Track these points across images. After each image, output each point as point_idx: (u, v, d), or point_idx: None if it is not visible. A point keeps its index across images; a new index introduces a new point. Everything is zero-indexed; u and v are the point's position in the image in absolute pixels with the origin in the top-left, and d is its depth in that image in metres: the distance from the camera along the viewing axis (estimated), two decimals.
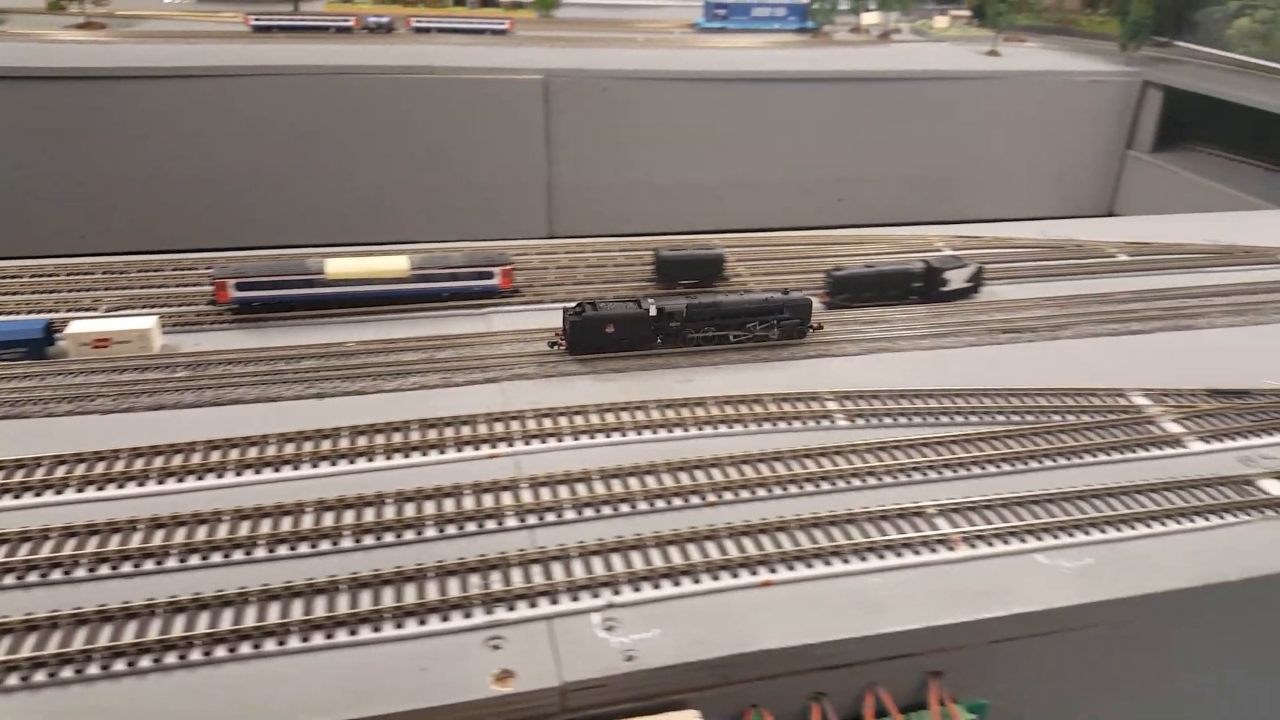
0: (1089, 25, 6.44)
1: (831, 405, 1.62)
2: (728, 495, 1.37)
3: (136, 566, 1.18)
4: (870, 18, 6.01)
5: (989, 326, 1.97)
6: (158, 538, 1.22)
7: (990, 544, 1.30)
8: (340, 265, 1.80)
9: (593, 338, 1.66)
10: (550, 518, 1.29)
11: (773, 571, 1.22)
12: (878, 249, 2.38)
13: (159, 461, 1.37)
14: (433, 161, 4.22)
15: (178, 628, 1.09)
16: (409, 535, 1.25)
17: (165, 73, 3.85)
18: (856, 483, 1.42)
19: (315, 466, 1.38)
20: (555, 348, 1.71)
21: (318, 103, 3.98)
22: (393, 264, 1.81)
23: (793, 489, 1.39)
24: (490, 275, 1.86)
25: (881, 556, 1.27)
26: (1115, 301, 2.13)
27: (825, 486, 1.41)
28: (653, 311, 1.71)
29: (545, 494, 1.33)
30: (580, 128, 4.41)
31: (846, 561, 1.25)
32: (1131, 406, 1.68)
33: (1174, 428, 1.62)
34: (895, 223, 2.75)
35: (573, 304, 1.68)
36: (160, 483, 1.34)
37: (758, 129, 5.03)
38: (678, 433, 1.52)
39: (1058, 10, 6.68)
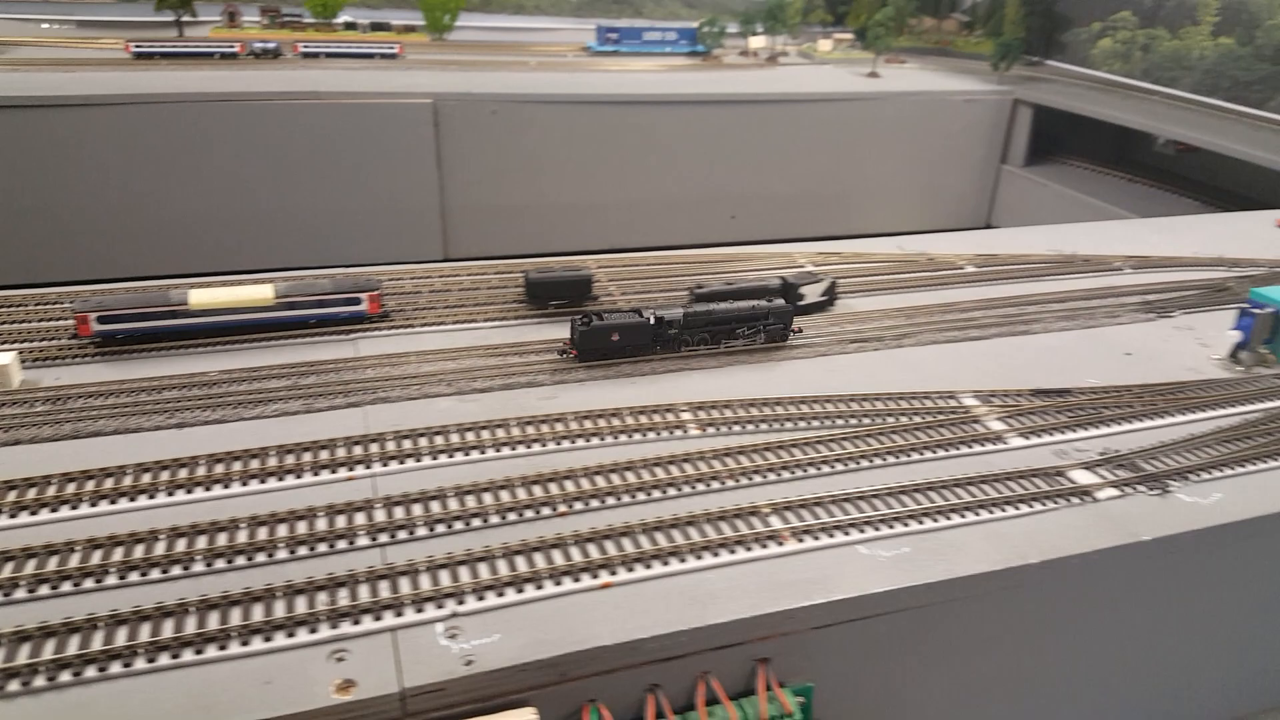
0: (966, 46, 6.75)
1: (686, 416, 1.71)
2: (578, 505, 1.44)
3: None
4: (757, 42, 6.21)
5: (839, 337, 2.10)
6: (7, 569, 1.24)
7: (816, 538, 1.40)
8: (204, 296, 1.82)
9: (600, 345, 1.84)
10: (402, 535, 1.35)
11: (612, 574, 1.30)
12: (744, 266, 2.49)
13: (11, 496, 1.38)
14: (322, 186, 4.22)
15: (22, 655, 1.11)
16: (260, 558, 1.29)
17: (40, 101, 3.77)
18: (700, 487, 1.51)
19: (171, 495, 1.41)
20: (565, 355, 1.87)
21: (201, 130, 3.95)
22: (257, 293, 1.84)
23: (640, 496, 1.48)
24: (358, 301, 1.90)
25: (716, 554, 1.35)
26: (956, 310, 2.28)
27: (671, 492, 1.49)
28: (652, 321, 1.88)
29: (399, 513, 1.39)
30: (472, 150, 4.46)
31: (683, 560, 1.34)
32: (961, 407, 1.82)
33: (997, 425, 1.76)
34: (786, 238, 2.88)
35: (580, 315, 1.87)
36: (13, 516, 1.35)
37: (651, 149, 5.15)
38: (536, 448, 1.59)
39: (937, 33, 7.00)
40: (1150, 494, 1.57)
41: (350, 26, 5.59)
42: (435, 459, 1.53)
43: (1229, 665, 1.72)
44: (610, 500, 1.46)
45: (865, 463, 1.61)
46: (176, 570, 1.26)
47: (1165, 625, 1.60)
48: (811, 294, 2.23)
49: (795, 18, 6.29)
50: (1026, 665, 1.51)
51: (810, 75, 5.95)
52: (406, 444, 1.55)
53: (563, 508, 1.43)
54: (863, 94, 5.54)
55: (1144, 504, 1.55)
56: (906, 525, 1.45)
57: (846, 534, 1.42)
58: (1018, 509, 1.51)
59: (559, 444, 1.60)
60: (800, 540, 1.39)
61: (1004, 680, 1.51)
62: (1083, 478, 1.60)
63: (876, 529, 1.44)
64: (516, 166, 4.61)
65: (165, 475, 1.44)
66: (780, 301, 2.02)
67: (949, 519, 1.47)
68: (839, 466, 1.59)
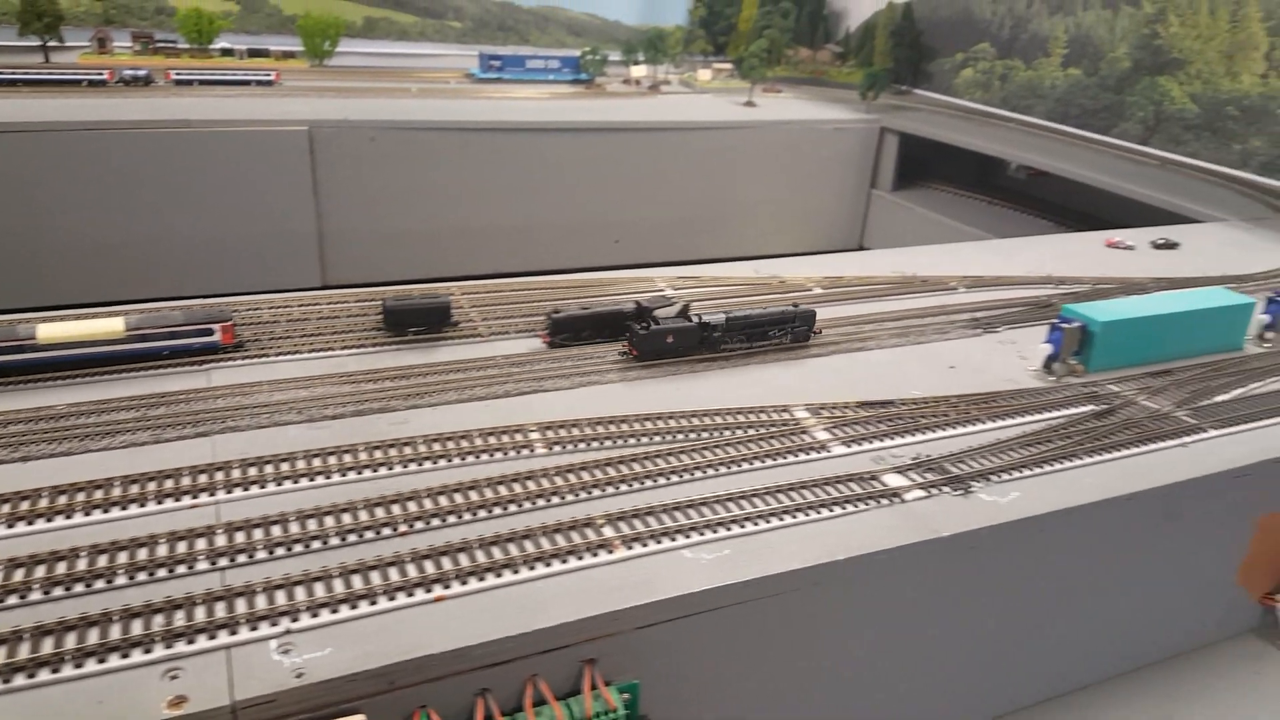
0: (839, 76, 7.07)
1: (534, 435, 1.80)
2: (419, 524, 1.51)
3: None
4: (638, 70, 6.39)
5: (691, 361, 2.22)
6: None
7: (645, 544, 1.51)
8: (52, 330, 1.83)
9: (657, 346, 2.11)
10: (242, 559, 1.39)
11: (446, 587, 1.38)
12: (603, 291, 2.60)
13: None
14: (195, 216, 4.18)
15: None
16: (99, 584, 1.32)
17: None
18: (541, 502, 1.60)
19: (11, 526, 1.42)
20: (625, 356, 2.14)
21: (64, 160, 3.88)
22: (107, 326, 1.85)
23: (480, 513, 1.56)
24: (210, 332, 1.93)
25: (549, 564, 1.44)
26: None
27: (512, 508, 1.58)
28: (699, 323, 2.16)
29: (240, 537, 1.43)
30: (350, 177, 4.49)
31: (516, 572, 1.42)
32: (793, 420, 1.96)
33: (823, 435, 1.90)
34: (668, 262, 3.00)
35: (639, 323, 2.14)
36: None
37: (535, 176, 5.25)
38: (382, 471, 1.66)
39: (812, 63, 7.31)
40: (954, 494, 1.73)
41: (227, 53, 5.54)
42: (280, 485, 1.58)
43: (1030, 651, 1.89)
44: (451, 519, 1.53)
45: (699, 474, 1.73)
46: (13, 600, 1.28)
47: (966, 615, 1.75)
48: (665, 317, 2.35)
49: (676, 47, 6.50)
50: (841, 655, 1.64)
51: (690, 104, 6.16)
52: (253, 471, 1.60)
53: (403, 527, 1.50)
54: (739, 122, 5.76)
55: (947, 504, 1.70)
56: (730, 530, 1.57)
57: (673, 540, 1.53)
58: (832, 511, 1.65)
59: (406, 467, 1.67)
60: (629, 547, 1.49)
61: (821, 670, 1.63)
62: (894, 481, 1.75)
63: (701, 534, 1.55)
64: (397, 193, 4.65)
65: (6, 508, 1.45)
66: (806, 307, 2.33)
67: (768, 522, 1.60)
68: (674, 478, 1.70)
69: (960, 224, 5.46)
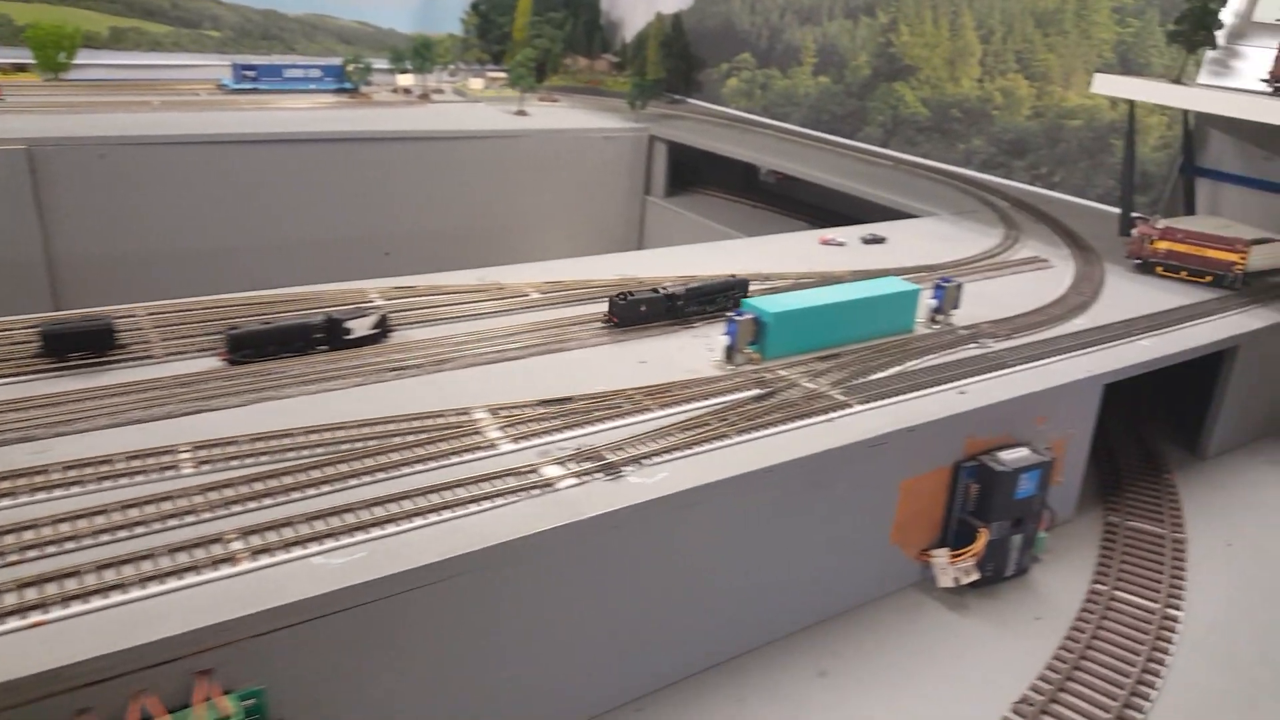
0: (615, 86, 7.24)
1: (184, 455, 1.78)
2: (32, 554, 1.47)
3: None
4: (405, 79, 6.35)
5: (378, 367, 2.25)
6: None
7: (274, 555, 1.52)
8: None
9: (633, 315, 2.49)
10: None
11: (45, 612, 1.35)
12: (313, 305, 2.59)
13: None
14: None
15: None
16: None
17: None
18: (173, 522, 1.58)
19: None
20: (608, 324, 2.57)
21: None
22: None
23: (104, 537, 1.53)
24: None
25: (164, 582, 1.44)
26: (504, 335, 2.50)
27: (139, 530, 1.56)
28: (664, 295, 2.56)
29: None
30: (80, 198, 4.24)
31: (126, 591, 1.41)
32: (469, 421, 2.02)
33: (495, 434, 1.97)
34: (442, 270, 2.99)
35: (619, 294, 2.59)
36: None
37: (293, 189, 5.12)
38: (6, 502, 1.60)
39: (589, 72, 7.47)
40: (606, 479, 1.84)
41: None
42: None
43: (690, 622, 2.02)
44: (70, 545, 1.50)
45: (353, 481, 1.76)
46: None
47: (620, 593, 1.86)
48: (359, 328, 2.36)
49: (446, 55, 6.49)
50: (491, 643, 1.71)
51: (461, 113, 6.16)
52: None
53: (14, 557, 1.46)
54: (510, 131, 5.82)
55: (597, 488, 1.80)
56: (369, 533, 1.61)
57: (305, 548, 1.55)
58: (480, 506, 1.71)
59: (34, 495, 1.62)
60: (256, 559, 1.51)
61: (470, 659, 1.69)
62: (551, 472, 1.84)
63: (338, 540, 1.58)
64: (136, 214, 4.44)
65: None
66: (743, 277, 2.82)
67: (412, 522, 1.65)
68: (325, 488, 1.73)
69: (725, 227, 5.71)
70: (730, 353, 2.44)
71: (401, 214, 5.54)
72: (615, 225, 6.36)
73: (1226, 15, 3.58)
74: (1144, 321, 2.99)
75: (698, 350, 2.53)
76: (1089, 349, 2.72)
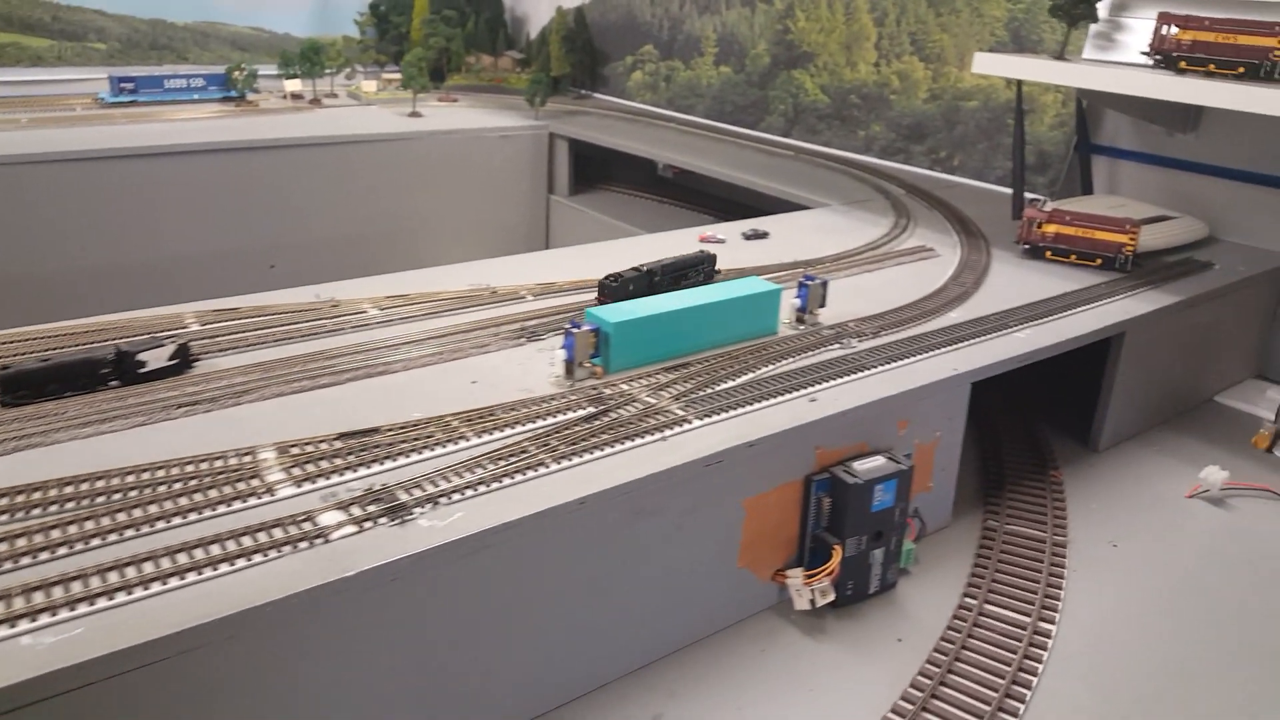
0: (519, 83, 7.02)
1: None
2: None
3: None
4: (293, 85, 6.08)
5: (167, 403, 2.03)
6: None
7: None
8: None
9: (621, 294, 2.49)
10: None
11: None
12: (121, 334, 2.36)
13: None
14: None
15: None
16: None
17: None
18: None
19: None
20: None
21: None
22: None
23: None
24: None
25: None
26: (323, 359, 2.30)
27: None
28: (646, 271, 2.65)
29: None
30: None
31: None
32: (251, 462, 1.81)
33: (276, 476, 1.77)
34: (334, 280, 2.81)
35: (608, 276, 2.64)
36: None
37: (171, 204, 4.88)
38: None
39: (493, 70, 7.25)
40: (391, 524, 1.65)
41: None
42: None
43: (507, 674, 1.84)
44: None
45: (97, 541, 1.55)
46: None
47: (407, 652, 1.67)
48: (155, 360, 2.15)
49: (337, 59, 6.23)
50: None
51: (353, 117, 5.93)
52: None
53: None
54: (401, 134, 5.60)
55: (379, 536, 1.61)
56: (94, 604, 1.40)
57: (14, 625, 1.34)
58: (235, 565, 1.51)
59: None
60: None
61: None
62: (329, 519, 1.65)
63: (55, 614, 1.37)
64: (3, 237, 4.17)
65: None
66: (709, 251, 2.89)
67: (150, 588, 1.44)
68: (63, 551, 1.52)
69: (627, 224, 5.54)
70: (570, 367, 2.26)
71: (287, 224, 5.30)
72: (520, 225, 6.17)
73: None
74: (1023, 311, 2.86)
75: (539, 365, 2.35)
76: (959, 345, 2.59)
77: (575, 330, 2.24)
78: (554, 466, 1.85)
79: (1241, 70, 2.99)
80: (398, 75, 6.43)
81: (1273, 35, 2.95)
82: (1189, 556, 2.53)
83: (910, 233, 3.73)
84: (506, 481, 1.80)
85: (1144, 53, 3.16)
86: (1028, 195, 4.23)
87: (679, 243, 3.48)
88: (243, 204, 5.15)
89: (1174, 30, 3.08)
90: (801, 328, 2.68)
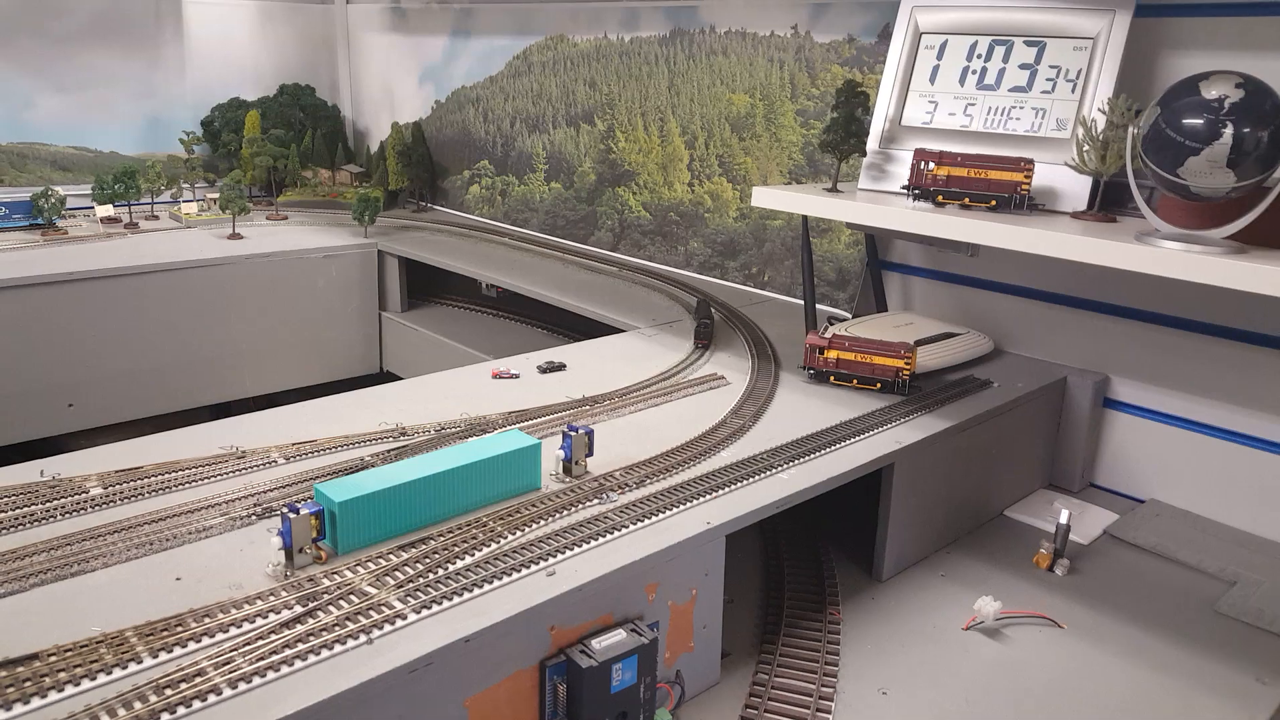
0: (353, 198, 6.91)
1: None
2: None
3: None
4: (104, 210, 5.85)
5: None
6: None
7: None
8: None
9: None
10: None
11: None
12: None
13: None
14: None
15: None
16: None
17: None
18: None
19: None
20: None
21: None
22: None
23: None
24: None
25: None
26: (14, 558, 2.09)
27: None
28: None
29: None
30: None
31: None
32: None
33: None
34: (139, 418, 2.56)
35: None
36: None
37: None
38: None
39: (331, 184, 7.15)
40: None
41: None
42: None
43: None
44: None
45: None
46: None
47: None
48: None
49: (157, 181, 6.03)
50: None
51: (169, 241, 5.72)
52: None
53: None
54: (217, 259, 5.43)
55: None
56: None
57: None
58: None
59: None
60: None
61: None
62: None
63: None
64: None
65: None
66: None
67: None
68: None
69: (460, 344, 5.45)
70: (289, 555, 2.12)
71: (91, 359, 5.02)
72: (353, 345, 6.01)
73: (878, 120, 3.61)
74: (792, 449, 2.86)
75: (262, 552, 2.19)
76: (718, 492, 2.55)
77: (292, 515, 2.10)
78: (227, 693, 1.69)
79: (994, 203, 3.12)
80: (215, 195, 6.26)
81: (1019, 171, 3.10)
82: (959, 698, 2.51)
83: (707, 357, 3.74)
84: (164, 718, 1.63)
85: (904, 187, 3.27)
86: (831, 311, 4.34)
87: (451, 385, 3.42)
88: (38, 341, 4.87)
89: (931, 166, 3.20)
90: (568, 480, 2.60)
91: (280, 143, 6.62)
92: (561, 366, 3.59)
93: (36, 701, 1.65)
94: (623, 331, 4.27)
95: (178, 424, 2.94)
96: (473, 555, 2.19)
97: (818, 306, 4.09)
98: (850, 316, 4.26)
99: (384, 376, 6.08)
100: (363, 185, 7.11)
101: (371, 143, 7.63)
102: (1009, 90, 3.37)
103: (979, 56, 3.42)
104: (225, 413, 5.36)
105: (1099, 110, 3.04)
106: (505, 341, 5.44)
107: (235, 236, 5.75)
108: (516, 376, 3.49)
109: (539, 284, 5.00)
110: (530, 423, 3.01)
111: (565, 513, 2.42)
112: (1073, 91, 3.22)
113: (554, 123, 5.98)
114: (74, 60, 6.66)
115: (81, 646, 1.80)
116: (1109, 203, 3.10)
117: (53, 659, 1.76)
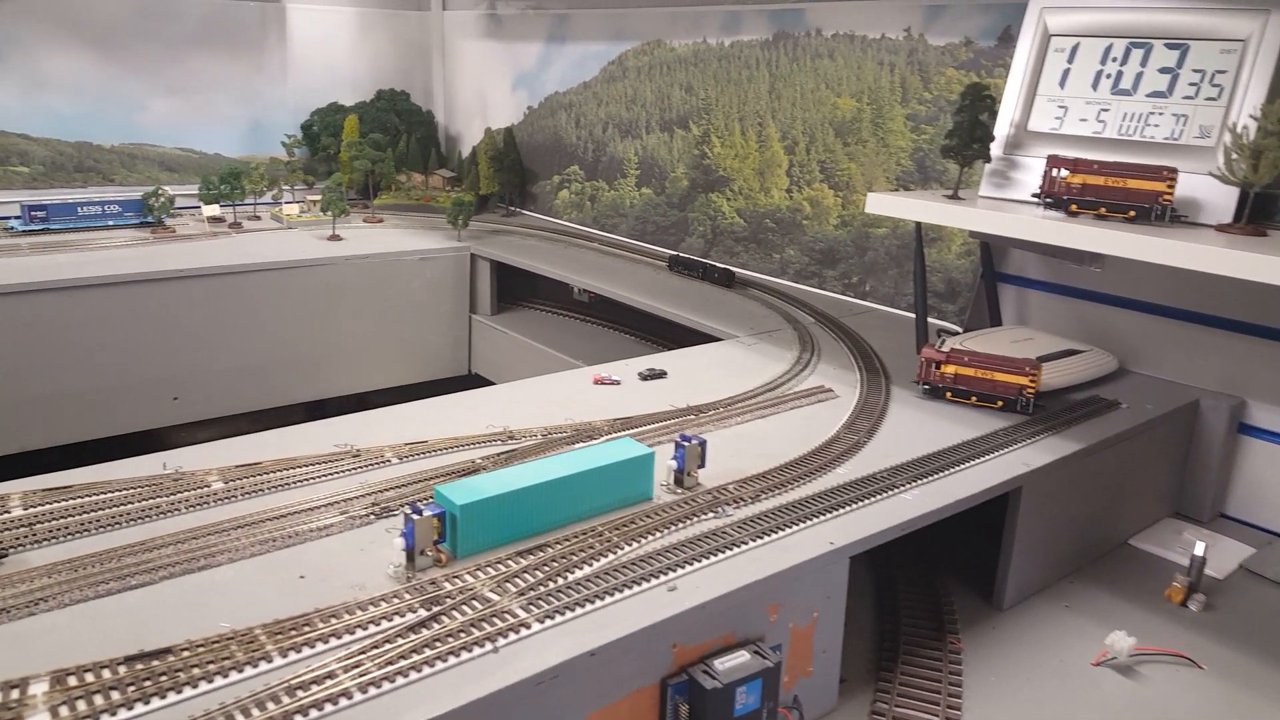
0: (446, 202, 6.98)
1: None
2: None
3: None
4: (210, 209, 5.99)
5: None
6: None
7: None
8: None
9: None
10: None
11: None
12: None
13: None
14: None
15: None
16: None
17: None
18: None
19: None
20: None
21: None
22: None
23: None
24: None
25: None
26: (143, 550, 2.11)
27: None
28: None
29: None
30: None
31: None
32: (18, 701, 1.61)
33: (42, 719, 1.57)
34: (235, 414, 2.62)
35: None
36: None
37: (74, 337, 4.76)
38: None
39: (424, 189, 7.22)
40: None
41: None
42: None
43: None
44: None
45: None
46: None
47: None
48: None
49: (260, 183, 6.15)
50: None
51: (272, 242, 5.83)
52: None
53: None
54: (318, 259, 5.51)
55: None
56: None
57: None
58: None
59: None
60: None
61: None
62: None
63: None
64: None
65: None
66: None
67: None
68: None
69: (549, 348, 5.44)
70: (411, 557, 2.09)
71: (193, 355, 5.13)
72: (443, 347, 6.05)
73: (1002, 125, 3.47)
74: (913, 468, 2.74)
75: (382, 552, 2.17)
76: (840, 511, 2.45)
77: (416, 517, 2.08)
78: (358, 697, 1.66)
79: (1132, 214, 2.96)
80: (317, 197, 6.37)
81: (1160, 180, 2.94)
82: None
83: (812, 369, 3.64)
84: None
85: (1034, 195, 3.13)
86: (940, 324, 4.19)
87: (554, 390, 3.38)
88: (147, 336, 5.00)
89: (1064, 173, 3.06)
90: (680, 492, 2.53)
91: (377, 146, 6.71)
92: (663, 374, 3.52)
93: (173, 696, 1.64)
94: (719, 340, 4.19)
95: (274, 420, 2.96)
96: (591, 565, 2.13)
97: (927, 319, 3.95)
98: (961, 330, 4.11)
99: (471, 379, 6.11)
100: (454, 189, 7.17)
101: (463, 148, 7.70)
102: (1146, 95, 3.20)
103: (1114, 60, 3.26)
104: (319, 410, 5.48)
105: (1250, 117, 2.86)
106: (593, 347, 5.41)
107: (335, 238, 5.83)
108: (618, 383, 3.44)
109: (632, 289, 4.95)
110: (635, 430, 2.95)
111: (681, 525, 2.35)
112: (1219, 97, 3.04)
113: (647, 128, 5.94)
114: (183, 65, 6.87)
115: (213, 643, 1.79)
116: (1256, 214, 2.91)
117: (185, 654, 1.76)
